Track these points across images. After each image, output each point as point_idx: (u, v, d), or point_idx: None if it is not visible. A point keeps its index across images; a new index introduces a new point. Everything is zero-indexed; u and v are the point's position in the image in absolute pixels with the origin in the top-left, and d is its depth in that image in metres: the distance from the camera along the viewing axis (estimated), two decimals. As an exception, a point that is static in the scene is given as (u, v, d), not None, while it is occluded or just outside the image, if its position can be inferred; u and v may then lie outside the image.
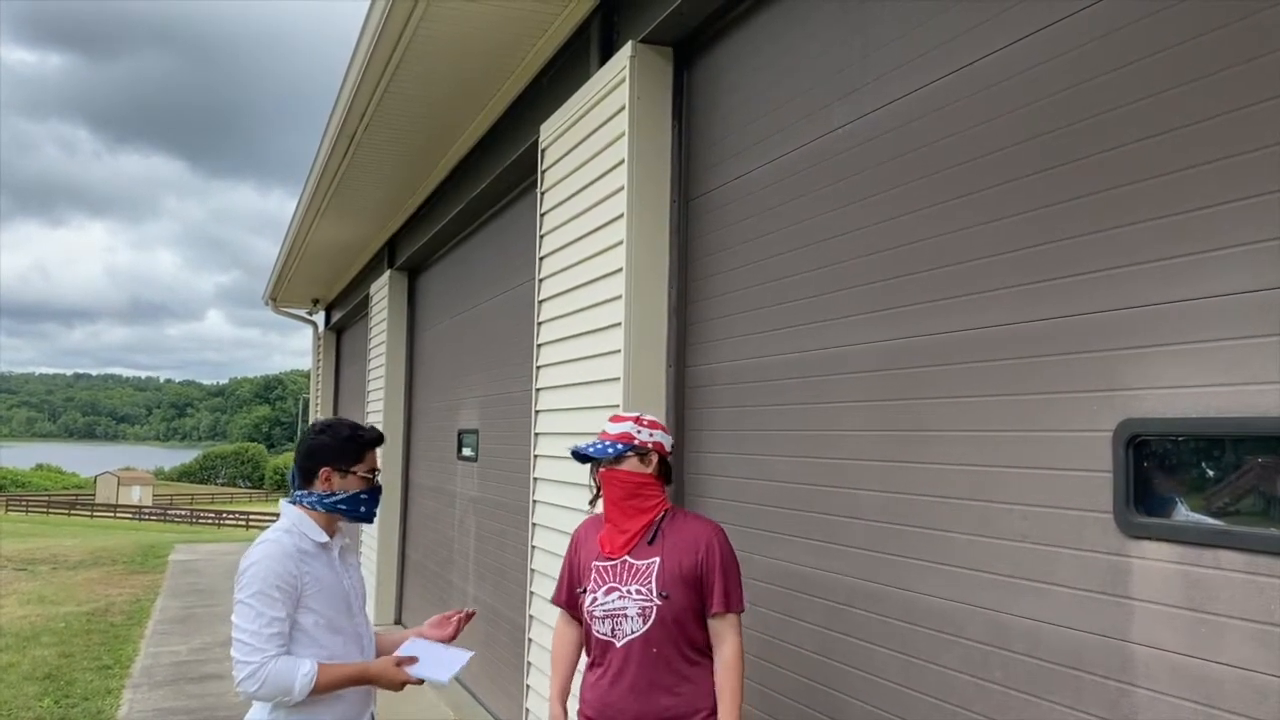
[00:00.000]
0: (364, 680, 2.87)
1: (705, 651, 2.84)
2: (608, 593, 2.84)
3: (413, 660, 2.96)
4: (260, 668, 2.70)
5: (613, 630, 2.82)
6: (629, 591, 2.81)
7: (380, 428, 10.25)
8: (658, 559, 2.81)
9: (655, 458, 2.92)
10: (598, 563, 2.90)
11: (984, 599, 2.50)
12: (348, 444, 2.95)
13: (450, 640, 3.12)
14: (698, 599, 2.80)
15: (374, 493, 2.99)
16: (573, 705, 3.02)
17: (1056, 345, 2.32)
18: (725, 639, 2.81)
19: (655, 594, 2.78)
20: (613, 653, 2.82)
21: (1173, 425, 2.02)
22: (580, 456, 2.93)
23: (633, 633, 2.79)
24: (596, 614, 2.86)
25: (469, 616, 3.21)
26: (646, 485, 2.89)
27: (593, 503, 3.02)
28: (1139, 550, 2.08)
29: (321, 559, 2.89)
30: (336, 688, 2.81)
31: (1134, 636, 2.09)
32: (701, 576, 2.79)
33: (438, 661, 2.98)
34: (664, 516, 2.89)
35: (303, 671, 2.73)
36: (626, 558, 2.85)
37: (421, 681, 2.94)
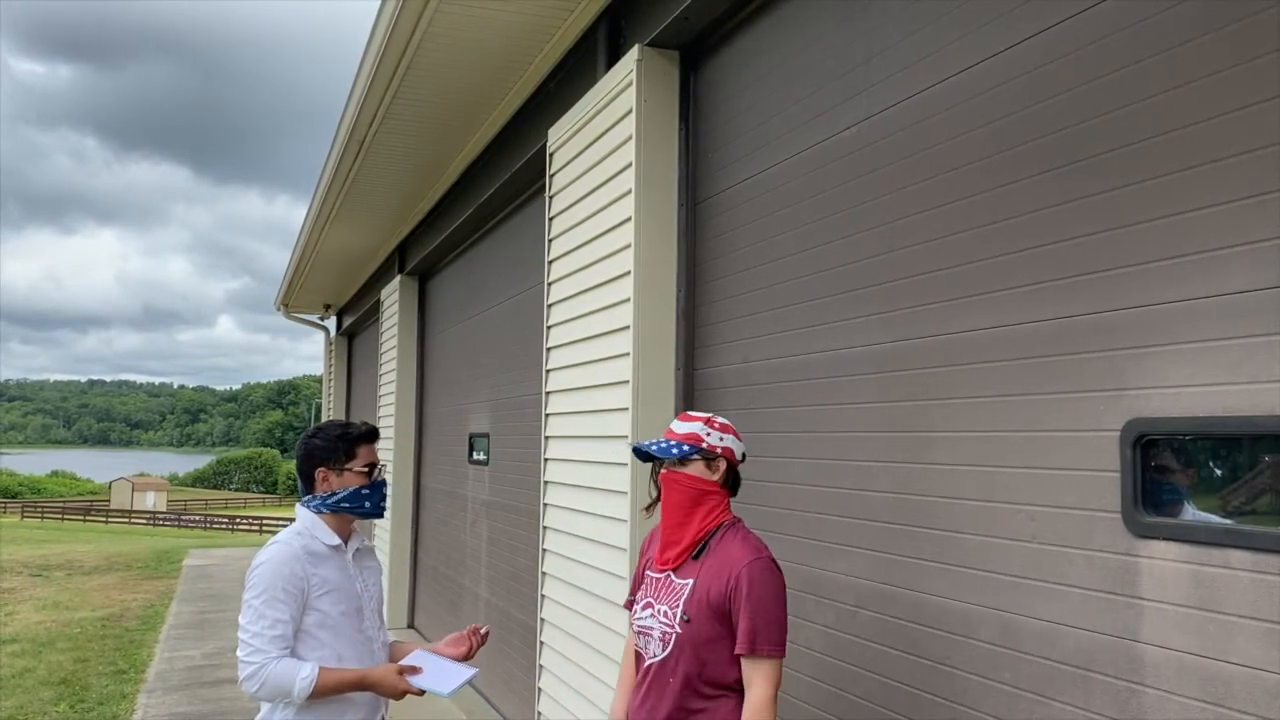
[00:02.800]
0: (364, 686, 2.87)
1: (733, 686, 2.51)
2: (644, 607, 2.67)
3: (416, 670, 2.95)
4: (261, 668, 2.73)
5: (644, 646, 2.66)
6: (659, 610, 2.61)
7: (391, 432, 10.27)
8: (692, 580, 2.56)
9: (723, 464, 2.64)
10: (651, 572, 2.72)
11: (994, 600, 2.50)
12: (338, 442, 2.97)
13: (464, 659, 3.10)
14: (726, 631, 2.49)
15: (375, 487, 3.00)
16: None
17: (1063, 345, 2.32)
18: (750, 686, 2.45)
19: (677, 619, 2.54)
20: (641, 670, 2.68)
21: (1179, 424, 2.02)
22: (642, 454, 2.69)
23: (655, 656, 2.60)
24: (636, 627, 2.70)
25: (484, 638, 3.14)
26: (710, 494, 2.62)
27: (649, 509, 2.79)
28: (1147, 550, 2.08)
29: (333, 561, 2.91)
30: (337, 691, 2.83)
31: (1143, 636, 2.09)
32: (730, 610, 2.48)
33: (441, 674, 2.95)
34: (715, 532, 2.61)
35: (302, 675, 2.75)
36: (671, 573, 2.63)
37: (422, 692, 2.92)
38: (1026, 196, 2.44)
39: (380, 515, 3.04)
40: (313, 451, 2.97)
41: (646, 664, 2.64)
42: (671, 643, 2.55)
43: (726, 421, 2.72)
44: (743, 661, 2.49)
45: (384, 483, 3.05)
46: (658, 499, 2.73)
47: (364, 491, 2.98)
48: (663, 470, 2.68)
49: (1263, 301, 1.88)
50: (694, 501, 2.62)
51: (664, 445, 2.66)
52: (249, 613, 2.78)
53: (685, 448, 2.63)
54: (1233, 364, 1.93)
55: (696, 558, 2.59)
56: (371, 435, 3.05)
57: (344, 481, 2.96)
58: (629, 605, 2.87)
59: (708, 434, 2.65)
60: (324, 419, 17.74)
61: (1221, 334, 1.95)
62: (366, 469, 2.99)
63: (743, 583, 2.47)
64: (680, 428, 2.68)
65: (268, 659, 2.74)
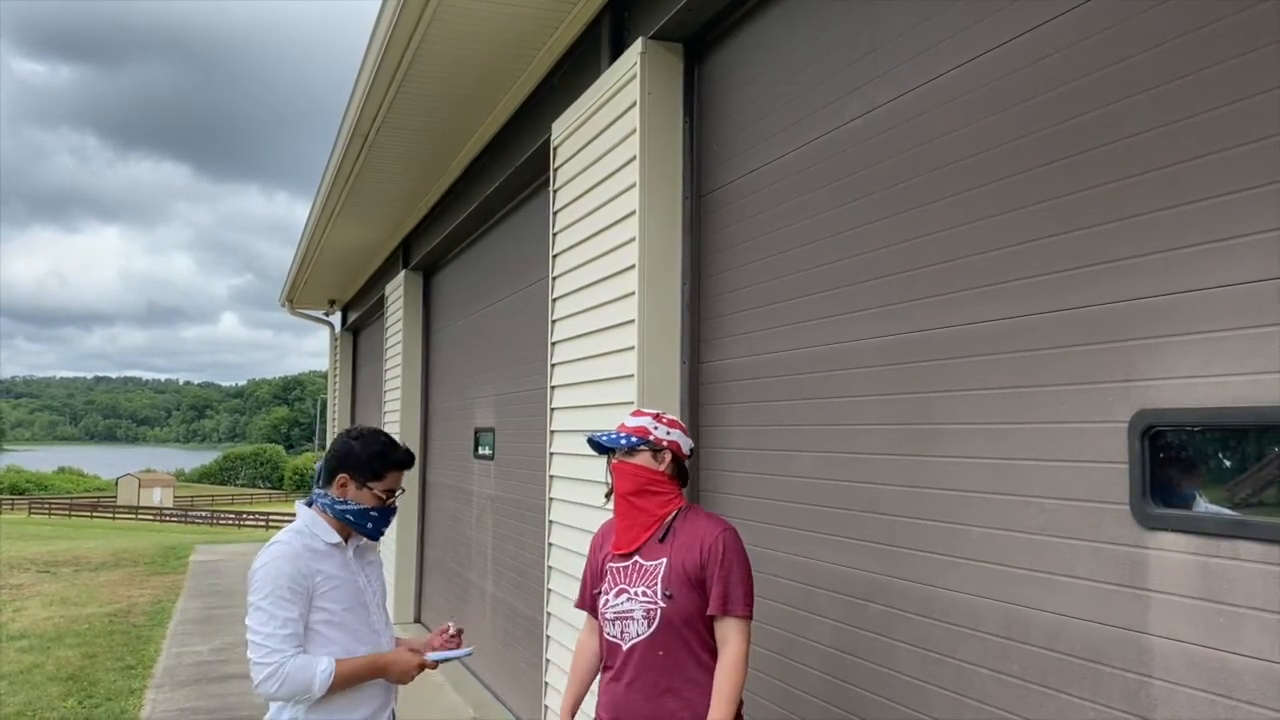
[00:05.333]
0: (378, 669, 2.90)
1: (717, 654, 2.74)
2: (618, 594, 2.78)
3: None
4: (279, 668, 2.72)
5: (621, 633, 2.76)
6: (636, 593, 2.74)
7: (398, 428, 10.27)
8: (665, 559, 2.74)
9: (669, 456, 2.84)
10: (611, 564, 2.84)
11: (1002, 592, 2.49)
12: (372, 459, 2.92)
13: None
14: (704, 600, 2.70)
15: (384, 513, 2.97)
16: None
17: (1070, 337, 2.31)
18: (727, 641, 2.68)
19: (660, 595, 2.71)
20: (620, 655, 2.77)
21: (1188, 416, 2.01)
22: (594, 445, 2.89)
23: (638, 635, 2.72)
24: (607, 615, 2.80)
25: (455, 636, 3.16)
26: (656, 482, 2.81)
27: (608, 497, 2.95)
28: (1156, 542, 2.07)
29: (334, 558, 2.90)
30: (355, 681, 2.85)
31: (1152, 628, 2.08)
32: (704, 578, 2.70)
33: (441, 653, 3.09)
34: (676, 515, 2.81)
35: (321, 668, 2.76)
36: (637, 558, 2.79)
37: (436, 665, 3.00)
38: (1034, 187, 2.43)
39: (375, 539, 3.02)
40: (347, 455, 2.93)
41: (627, 647, 2.75)
42: (658, 618, 2.70)
43: (675, 418, 2.94)
44: (716, 623, 2.71)
45: (393, 510, 3.02)
46: (612, 489, 2.90)
47: (372, 513, 2.94)
48: (613, 461, 2.86)
49: (1272, 291, 1.87)
50: (640, 490, 2.81)
51: (613, 436, 2.86)
52: (258, 615, 2.76)
53: (633, 439, 2.83)
54: (1242, 354, 1.92)
55: (662, 540, 2.77)
56: (408, 463, 3.00)
57: (359, 496, 2.92)
58: (585, 604, 2.96)
59: (655, 427, 2.86)
60: (330, 415, 17.74)
61: (1231, 324, 1.94)
62: (386, 494, 2.96)
63: (716, 551, 2.71)
64: (631, 421, 2.89)
65: (284, 658, 2.72)
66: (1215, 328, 1.97)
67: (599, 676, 2.91)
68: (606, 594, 2.82)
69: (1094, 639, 2.21)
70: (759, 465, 3.68)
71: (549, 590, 5.23)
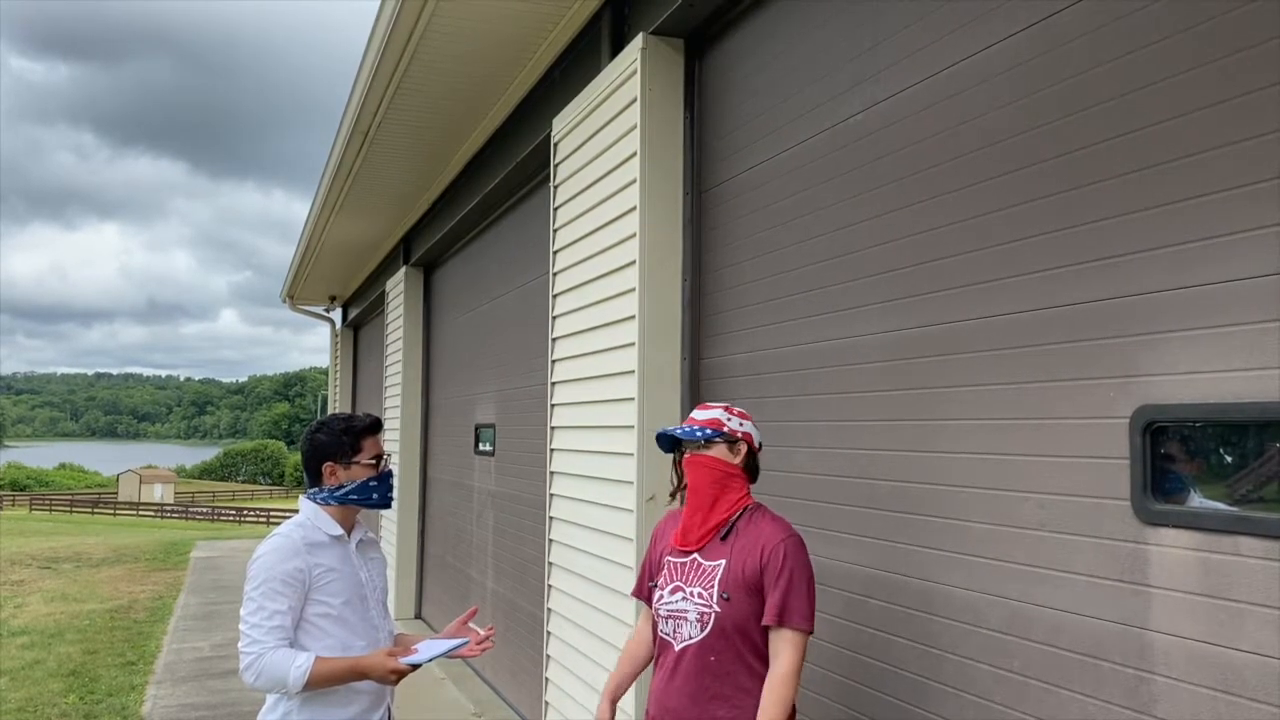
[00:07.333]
0: (358, 672, 2.83)
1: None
2: (673, 591, 2.69)
3: (410, 651, 2.93)
4: (258, 659, 2.72)
5: (673, 631, 2.67)
6: (691, 593, 2.65)
7: (397, 424, 10.25)
8: (724, 560, 2.63)
9: (744, 448, 2.74)
10: (670, 557, 2.75)
11: (1002, 588, 2.49)
12: (343, 436, 2.97)
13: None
14: (760, 606, 2.58)
15: (383, 478, 3.01)
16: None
17: (1072, 332, 2.30)
18: (778, 655, 2.54)
19: (715, 599, 2.60)
20: (670, 654, 2.67)
21: (1190, 411, 2.00)
22: (666, 439, 2.78)
23: (690, 638, 2.63)
24: (661, 612, 2.72)
25: (486, 638, 3.12)
26: (733, 476, 2.71)
27: (674, 495, 2.85)
28: (1157, 537, 2.07)
29: (336, 551, 2.91)
30: (333, 681, 2.80)
31: (1153, 624, 2.08)
32: (763, 584, 2.57)
33: (434, 647, 2.97)
34: (741, 514, 2.70)
35: (296, 664, 2.73)
36: (696, 556, 2.68)
37: (414, 668, 2.89)
38: (1035, 182, 2.42)
39: (388, 505, 3.04)
40: (318, 447, 2.97)
41: (679, 647, 2.65)
42: (711, 622, 2.60)
43: (744, 410, 2.82)
44: (770, 634, 2.58)
45: (390, 473, 3.06)
46: (681, 485, 2.80)
47: (371, 484, 2.98)
48: (687, 455, 2.76)
49: (1273, 287, 1.86)
50: (718, 483, 2.70)
51: (688, 430, 2.75)
52: (248, 605, 2.78)
53: (708, 431, 2.73)
54: (1244, 350, 1.91)
55: (724, 539, 2.66)
56: (375, 427, 3.05)
57: (351, 475, 2.96)
58: (641, 593, 2.90)
59: (728, 419, 2.75)
60: (330, 411, 17.78)
61: (1232, 319, 1.94)
62: (373, 461, 3.00)
63: (776, 557, 2.57)
64: (701, 414, 2.78)
65: (264, 649, 2.72)
66: (1216, 323, 1.97)
67: (651, 673, 2.81)
68: (661, 589, 2.73)
69: (1095, 635, 2.21)
70: (760, 460, 3.67)
71: (549, 586, 5.23)
